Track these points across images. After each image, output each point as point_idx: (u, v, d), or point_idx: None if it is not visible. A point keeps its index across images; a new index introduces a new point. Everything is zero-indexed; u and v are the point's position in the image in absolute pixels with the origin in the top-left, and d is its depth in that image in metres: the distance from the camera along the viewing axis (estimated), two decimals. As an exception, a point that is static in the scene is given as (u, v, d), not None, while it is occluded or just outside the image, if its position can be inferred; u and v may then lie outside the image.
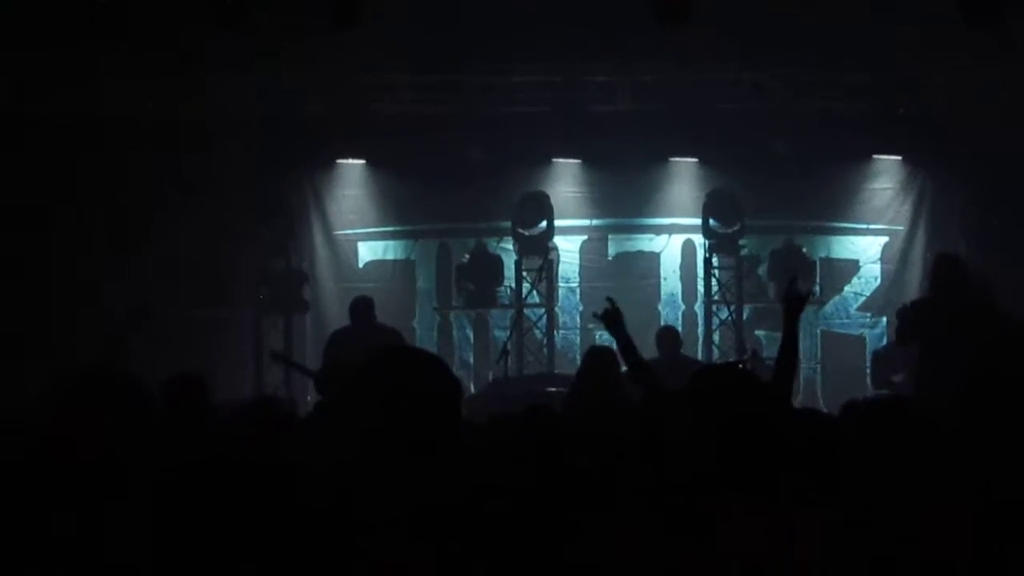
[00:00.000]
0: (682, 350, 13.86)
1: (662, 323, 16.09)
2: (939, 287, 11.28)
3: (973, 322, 10.79)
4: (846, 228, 17.16)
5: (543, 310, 16.68)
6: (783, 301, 6.98)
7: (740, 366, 13.69)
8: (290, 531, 4.04)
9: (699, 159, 16.97)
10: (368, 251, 17.33)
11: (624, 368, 9.35)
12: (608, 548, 4.19)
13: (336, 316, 15.61)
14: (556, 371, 15.78)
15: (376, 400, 4.10)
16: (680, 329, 15.09)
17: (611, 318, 7.33)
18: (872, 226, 17.09)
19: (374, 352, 4.25)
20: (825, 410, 7.72)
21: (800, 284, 7.18)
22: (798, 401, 14.28)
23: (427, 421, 4.07)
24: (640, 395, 7.82)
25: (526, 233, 16.39)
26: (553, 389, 13.08)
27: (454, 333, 17.23)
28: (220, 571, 4.06)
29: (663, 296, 17.12)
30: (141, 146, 15.41)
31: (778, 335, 16.55)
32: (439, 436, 4.06)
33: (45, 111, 15.06)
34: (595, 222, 17.22)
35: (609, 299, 7.57)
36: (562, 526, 4.21)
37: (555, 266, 16.69)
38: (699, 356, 15.97)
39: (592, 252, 17.25)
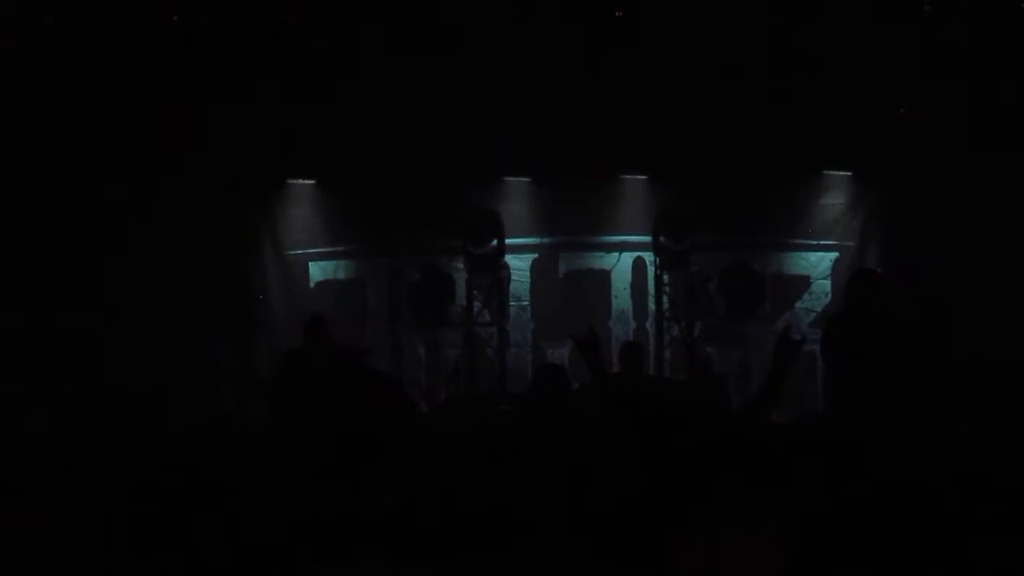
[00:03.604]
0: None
1: (613, 340, 16.09)
2: (854, 304, 11.25)
3: (883, 339, 10.80)
4: (796, 244, 17.19)
5: (494, 328, 16.68)
6: (775, 351, 6.84)
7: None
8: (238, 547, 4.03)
9: (649, 176, 17.00)
10: (319, 271, 17.30)
11: (576, 386, 9.31)
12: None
13: (287, 336, 15.53)
14: (508, 389, 15.76)
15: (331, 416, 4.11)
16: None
17: (587, 346, 7.15)
18: (822, 242, 17.13)
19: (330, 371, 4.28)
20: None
21: (793, 332, 7.07)
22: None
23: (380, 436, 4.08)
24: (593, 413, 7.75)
25: (476, 251, 16.37)
26: (505, 407, 13.07)
27: (405, 352, 17.17)
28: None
29: (614, 313, 17.11)
30: (91, 167, 15.34)
31: (729, 350, 16.78)
32: (391, 450, 4.07)
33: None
34: (545, 240, 17.23)
35: (591, 327, 7.37)
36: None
37: (506, 284, 16.69)
38: (651, 373, 15.97)
39: (543, 270, 17.25)
